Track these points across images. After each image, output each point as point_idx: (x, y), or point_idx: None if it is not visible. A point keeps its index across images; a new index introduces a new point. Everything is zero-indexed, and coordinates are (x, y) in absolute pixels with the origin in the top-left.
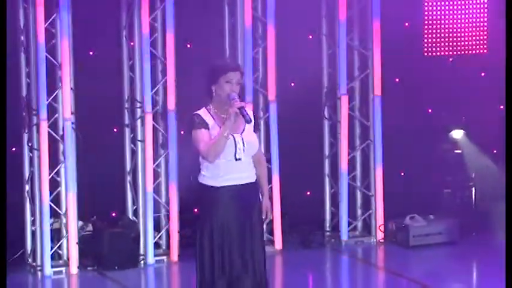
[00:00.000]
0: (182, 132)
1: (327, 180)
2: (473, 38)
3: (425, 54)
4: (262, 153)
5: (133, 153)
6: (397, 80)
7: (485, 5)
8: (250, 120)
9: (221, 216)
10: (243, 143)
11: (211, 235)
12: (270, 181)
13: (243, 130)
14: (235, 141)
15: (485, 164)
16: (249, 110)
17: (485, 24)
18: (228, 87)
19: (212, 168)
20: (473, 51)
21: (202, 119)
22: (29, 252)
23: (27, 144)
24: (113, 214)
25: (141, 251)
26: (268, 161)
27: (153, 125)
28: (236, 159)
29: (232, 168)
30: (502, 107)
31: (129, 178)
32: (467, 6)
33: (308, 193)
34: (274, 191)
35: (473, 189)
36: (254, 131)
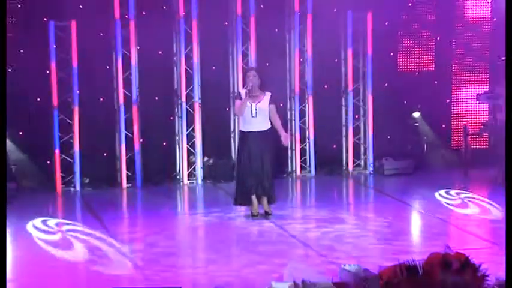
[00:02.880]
0: None
1: (343, 139)
2: (426, 60)
3: (401, 70)
4: (275, 115)
5: (234, 121)
6: (386, 84)
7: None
8: (249, 94)
9: (247, 146)
10: (256, 108)
11: (243, 156)
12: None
13: (259, 101)
14: (251, 107)
15: (429, 129)
16: (267, 94)
17: (433, 53)
18: (248, 79)
19: (242, 121)
20: (428, 68)
21: (240, 94)
22: (177, 172)
23: (177, 115)
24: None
25: None
26: (308, 127)
27: None
28: (252, 116)
29: (251, 122)
30: (448, 100)
31: (232, 135)
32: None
33: (334, 146)
34: (311, 144)
35: (425, 144)
36: (270, 103)
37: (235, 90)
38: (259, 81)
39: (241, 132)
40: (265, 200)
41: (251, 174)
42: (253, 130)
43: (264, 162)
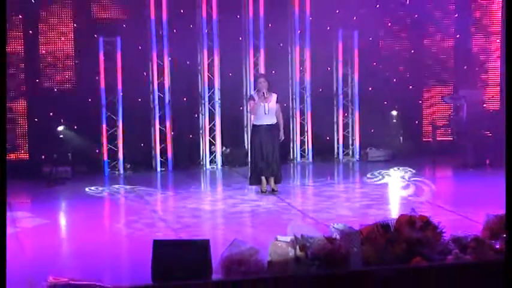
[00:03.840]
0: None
1: (335, 132)
2: (402, 69)
3: (382, 76)
4: (280, 113)
5: (247, 118)
6: (370, 88)
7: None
8: (262, 96)
9: (259, 137)
10: (268, 107)
11: (255, 145)
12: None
13: (269, 101)
14: (264, 106)
15: (404, 125)
16: (274, 95)
17: (408, 63)
18: (260, 84)
19: (255, 117)
20: (404, 76)
21: (253, 96)
22: (201, 159)
23: (201, 113)
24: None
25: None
26: (306, 123)
27: None
28: (265, 114)
29: (263, 117)
30: (420, 101)
31: (245, 129)
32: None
33: (327, 138)
34: (309, 136)
35: (401, 137)
36: (276, 102)
37: (248, 93)
38: (267, 85)
39: (255, 126)
40: (272, 180)
41: (262, 159)
42: (265, 123)
43: (272, 150)
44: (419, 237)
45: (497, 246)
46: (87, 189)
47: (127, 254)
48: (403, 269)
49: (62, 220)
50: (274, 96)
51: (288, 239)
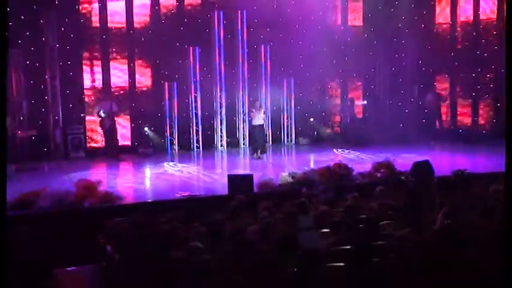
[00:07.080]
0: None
1: (282, 129)
2: (316, 97)
3: (308, 101)
4: (265, 118)
5: (238, 123)
6: (299, 107)
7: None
8: (258, 109)
9: (255, 131)
10: (261, 115)
11: (254, 134)
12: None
13: (260, 112)
14: (259, 115)
15: (318, 124)
16: (262, 109)
17: (318, 95)
18: (257, 104)
19: (254, 120)
20: (317, 99)
21: (253, 110)
22: (215, 144)
23: (215, 121)
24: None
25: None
26: (268, 126)
27: None
28: (258, 118)
29: (259, 120)
30: (324, 113)
31: (238, 129)
32: None
33: (278, 133)
34: (270, 132)
35: (315, 131)
36: (264, 113)
37: (241, 110)
38: (259, 104)
39: (254, 125)
40: (259, 152)
41: (257, 141)
42: (259, 123)
43: (262, 136)
44: (343, 172)
45: (379, 175)
46: (169, 163)
47: (206, 184)
48: (338, 185)
49: (162, 171)
50: (262, 109)
51: (287, 173)
